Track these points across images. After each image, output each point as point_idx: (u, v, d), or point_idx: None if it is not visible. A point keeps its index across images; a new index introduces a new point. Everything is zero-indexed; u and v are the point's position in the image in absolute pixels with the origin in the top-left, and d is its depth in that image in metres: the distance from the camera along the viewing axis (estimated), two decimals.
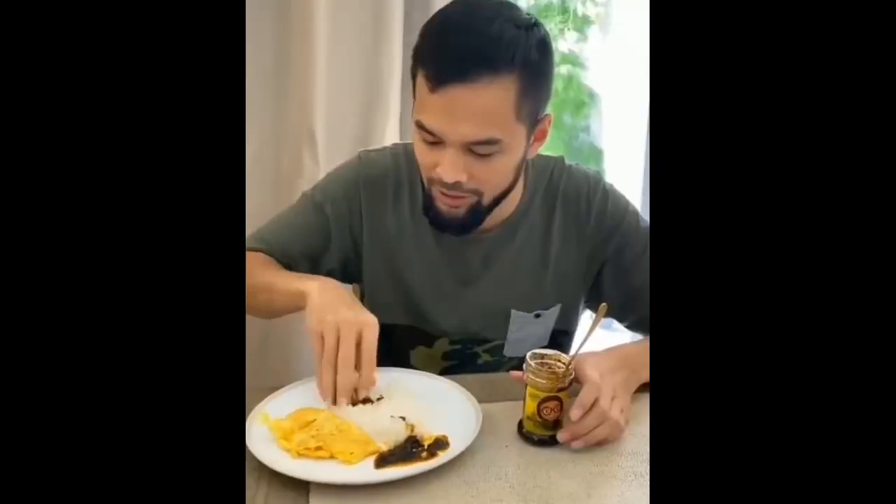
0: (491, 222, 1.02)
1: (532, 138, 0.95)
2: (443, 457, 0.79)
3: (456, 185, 0.92)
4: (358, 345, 0.85)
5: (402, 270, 1.08)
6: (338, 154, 1.40)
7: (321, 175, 1.23)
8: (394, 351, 1.15)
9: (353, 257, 1.10)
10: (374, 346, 0.86)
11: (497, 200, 0.98)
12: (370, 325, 0.86)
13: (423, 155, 0.94)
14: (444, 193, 0.94)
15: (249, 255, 1.06)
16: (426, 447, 0.81)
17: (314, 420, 0.85)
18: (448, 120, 0.87)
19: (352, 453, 0.79)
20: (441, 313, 1.10)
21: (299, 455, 0.80)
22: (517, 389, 0.91)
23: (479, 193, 0.95)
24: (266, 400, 0.91)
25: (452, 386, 0.95)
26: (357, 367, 0.85)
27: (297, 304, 0.92)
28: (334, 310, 0.86)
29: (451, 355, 1.13)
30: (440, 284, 1.08)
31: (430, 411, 0.88)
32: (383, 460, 0.79)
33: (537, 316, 1.10)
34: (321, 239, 1.08)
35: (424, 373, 0.99)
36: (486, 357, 1.14)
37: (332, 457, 0.80)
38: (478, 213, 0.97)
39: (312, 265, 1.09)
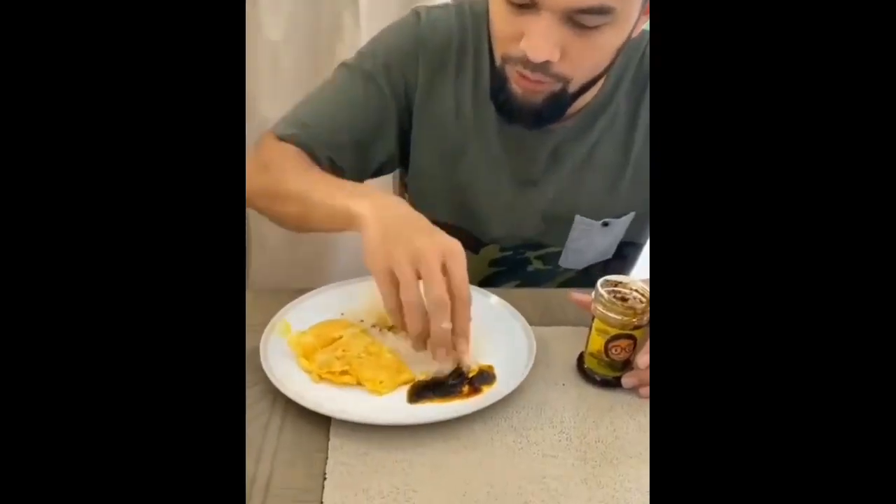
0: (569, 111, 0.84)
1: (641, 11, 0.74)
2: (487, 395, 0.67)
3: (543, 66, 0.72)
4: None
5: (454, 161, 0.92)
6: (383, 15, 1.20)
7: (363, 40, 1.04)
8: None
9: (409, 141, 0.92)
10: (465, 281, 0.65)
11: (584, 88, 0.79)
12: (455, 254, 0.65)
13: (505, 22, 0.73)
14: (522, 75, 0.75)
15: (281, 148, 0.85)
16: (470, 380, 0.68)
17: (340, 337, 0.73)
18: None
19: (381, 382, 0.67)
20: (494, 217, 0.95)
21: (321, 379, 0.68)
22: (577, 313, 0.78)
23: (566, 79, 0.75)
24: (288, 306, 0.79)
25: (504, 305, 0.81)
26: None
27: (343, 226, 0.72)
28: (406, 237, 0.64)
29: (498, 262, 1.00)
30: (498, 182, 0.92)
31: (477, 334, 0.75)
32: (417, 394, 0.67)
33: (605, 224, 0.94)
34: (375, 120, 0.88)
35: (472, 286, 0.85)
36: (537, 264, 1.00)
37: (358, 384, 0.68)
38: (560, 102, 0.78)
39: (361, 154, 0.89)
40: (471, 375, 0.69)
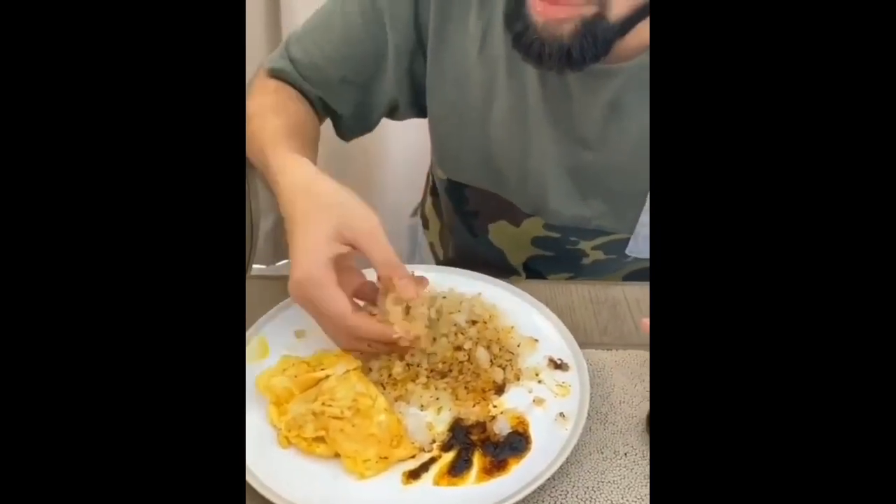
0: (626, 47, 0.60)
1: None
2: (515, 474, 0.48)
3: None
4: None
5: (480, 111, 0.70)
6: None
7: None
8: (468, 221, 0.81)
9: (424, 77, 0.72)
10: (387, 256, 0.53)
11: (633, 19, 0.57)
12: (363, 237, 0.53)
13: None
14: None
15: (267, 90, 0.70)
16: (492, 449, 0.49)
17: (327, 378, 0.54)
18: None
19: (365, 462, 0.49)
20: (534, 185, 0.72)
21: (289, 443, 0.51)
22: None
23: (601, 2, 0.55)
24: (274, 311, 0.61)
25: (544, 316, 0.60)
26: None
27: None
28: (294, 258, 0.54)
29: (544, 243, 0.78)
30: (539, 141, 0.69)
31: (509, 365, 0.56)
32: (414, 475, 0.48)
33: None
34: (371, 53, 0.70)
35: (508, 286, 0.64)
36: (596, 255, 0.77)
37: (337, 456, 0.50)
38: (596, 35, 0.56)
39: (362, 94, 0.72)
40: (493, 441, 0.50)
